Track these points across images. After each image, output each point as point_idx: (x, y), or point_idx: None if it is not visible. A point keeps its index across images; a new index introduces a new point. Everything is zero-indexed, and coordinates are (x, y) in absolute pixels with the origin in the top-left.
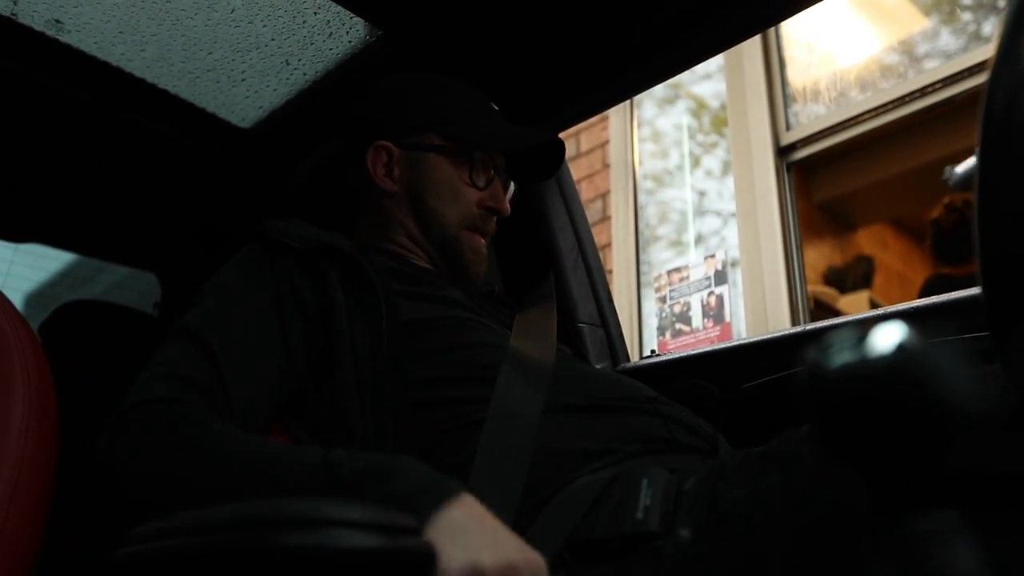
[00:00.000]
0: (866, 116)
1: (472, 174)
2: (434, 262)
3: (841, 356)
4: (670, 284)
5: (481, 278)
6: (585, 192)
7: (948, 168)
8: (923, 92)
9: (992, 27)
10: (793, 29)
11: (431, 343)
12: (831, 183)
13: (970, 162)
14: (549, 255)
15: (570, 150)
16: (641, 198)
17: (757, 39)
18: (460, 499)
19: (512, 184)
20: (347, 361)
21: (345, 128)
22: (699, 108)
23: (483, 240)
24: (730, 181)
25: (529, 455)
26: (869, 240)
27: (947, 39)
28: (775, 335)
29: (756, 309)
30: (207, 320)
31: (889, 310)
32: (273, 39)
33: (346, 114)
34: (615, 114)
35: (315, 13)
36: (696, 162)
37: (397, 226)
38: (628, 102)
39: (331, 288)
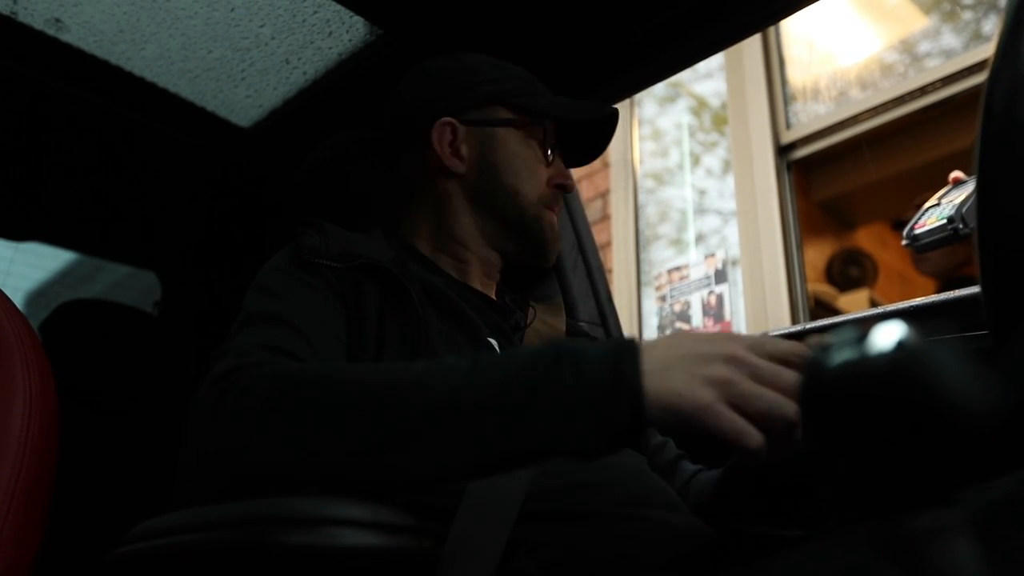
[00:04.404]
0: (866, 115)
1: (542, 148)
2: (497, 248)
3: (841, 354)
4: (670, 283)
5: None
6: (585, 191)
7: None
8: (923, 91)
9: (992, 26)
10: (793, 28)
11: None
12: (831, 182)
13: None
14: None
15: None
16: (641, 197)
17: (757, 38)
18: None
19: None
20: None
21: (392, 112)
22: (699, 107)
23: (556, 219)
24: (730, 180)
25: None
26: (869, 239)
27: (947, 38)
28: (775, 333)
29: (756, 308)
30: (276, 305)
31: (889, 308)
32: (273, 38)
33: (395, 97)
34: None
35: (315, 12)
36: (696, 161)
37: (461, 210)
38: (628, 101)
39: (367, 302)
